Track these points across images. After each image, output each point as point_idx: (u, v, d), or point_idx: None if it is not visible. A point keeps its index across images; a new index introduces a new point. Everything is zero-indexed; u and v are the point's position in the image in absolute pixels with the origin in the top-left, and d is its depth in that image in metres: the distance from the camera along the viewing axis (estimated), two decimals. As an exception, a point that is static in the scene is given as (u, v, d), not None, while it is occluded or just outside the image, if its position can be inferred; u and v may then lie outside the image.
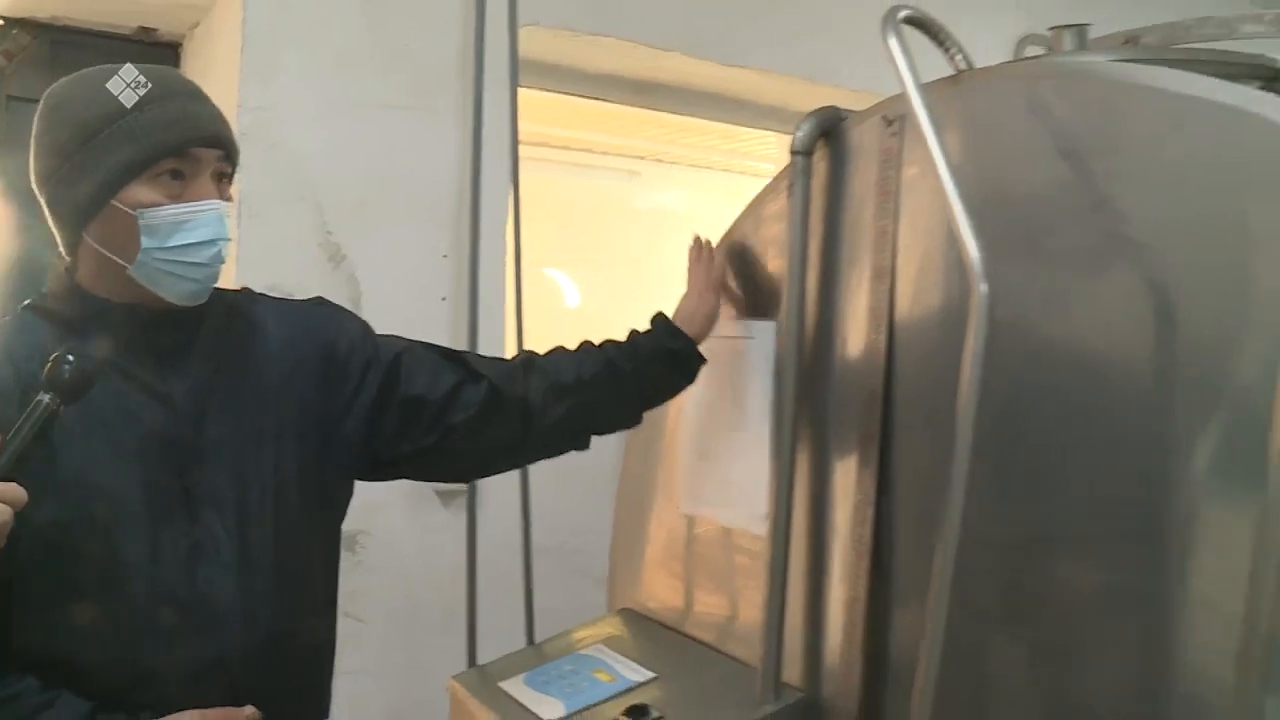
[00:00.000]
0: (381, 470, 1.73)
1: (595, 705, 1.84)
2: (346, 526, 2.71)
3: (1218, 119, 1.25)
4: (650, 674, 1.91)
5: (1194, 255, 1.27)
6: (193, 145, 1.40)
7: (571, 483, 2.78)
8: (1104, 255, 1.36)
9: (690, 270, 1.89)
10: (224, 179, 1.46)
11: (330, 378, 1.62)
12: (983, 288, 1.30)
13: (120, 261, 1.40)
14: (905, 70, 1.45)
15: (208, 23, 3.14)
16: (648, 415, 1.90)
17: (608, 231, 4.89)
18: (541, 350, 1.84)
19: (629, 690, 1.86)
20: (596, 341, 1.83)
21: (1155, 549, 1.30)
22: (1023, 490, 1.46)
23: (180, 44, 3.38)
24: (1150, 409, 1.32)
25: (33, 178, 1.46)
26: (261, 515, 1.49)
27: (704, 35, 3.37)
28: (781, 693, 1.76)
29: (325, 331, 1.65)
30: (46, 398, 1.22)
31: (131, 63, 1.43)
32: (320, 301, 1.75)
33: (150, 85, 1.40)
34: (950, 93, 1.56)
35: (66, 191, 1.40)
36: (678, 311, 1.85)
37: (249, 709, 1.44)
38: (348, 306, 2.68)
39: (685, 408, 2.05)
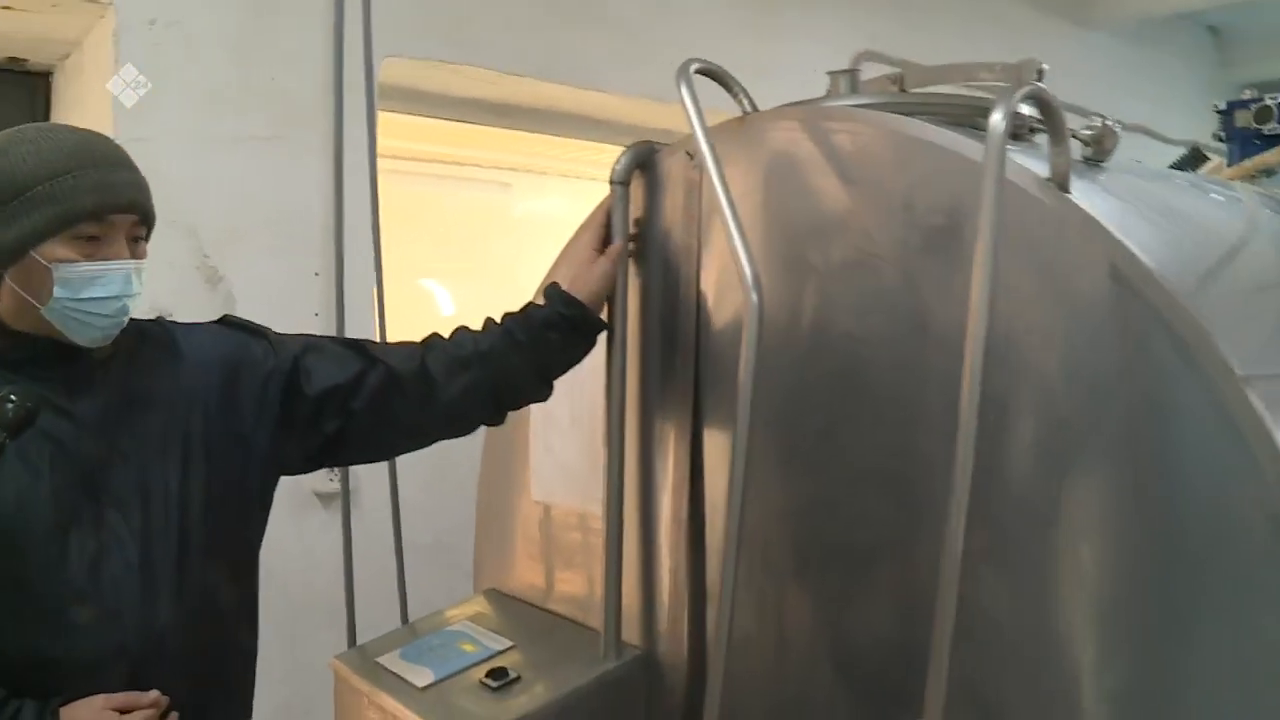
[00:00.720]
0: (306, 464, 1.92)
1: (461, 671, 2.09)
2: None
3: (933, 156, 1.57)
4: (509, 643, 2.17)
5: (921, 267, 1.59)
6: (108, 212, 1.58)
7: (442, 484, 3.03)
8: (856, 268, 1.67)
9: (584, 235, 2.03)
10: (138, 241, 1.65)
11: (236, 396, 1.78)
12: (754, 298, 1.60)
13: (35, 303, 1.58)
14: (694, 116, 1.75)
15: (78, 55, 3.30)
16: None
17: (482, 241, 5.11)
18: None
19: (491, 657, 2.12)
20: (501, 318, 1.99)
21: (909, 509, 1.61)
22: (804, 464, 1.77)
23: (51, 74, 3.53)
24: (901, 393, 1.63)
25: None
26: (165, 522, 1.66)
27: (557, 62, 3.65)
28: (622, 651, 2.04)
29: (231, 353, 1.82)
30: None
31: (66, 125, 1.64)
32: (225, 321, 1.92)
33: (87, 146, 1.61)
34: (737, 131, 1.87)
35: None
36: (572, 279, 1.97)
37: (153, 693, 1.59)
38: (225, 324, 2.89)
39: (533, 405, 2.31)
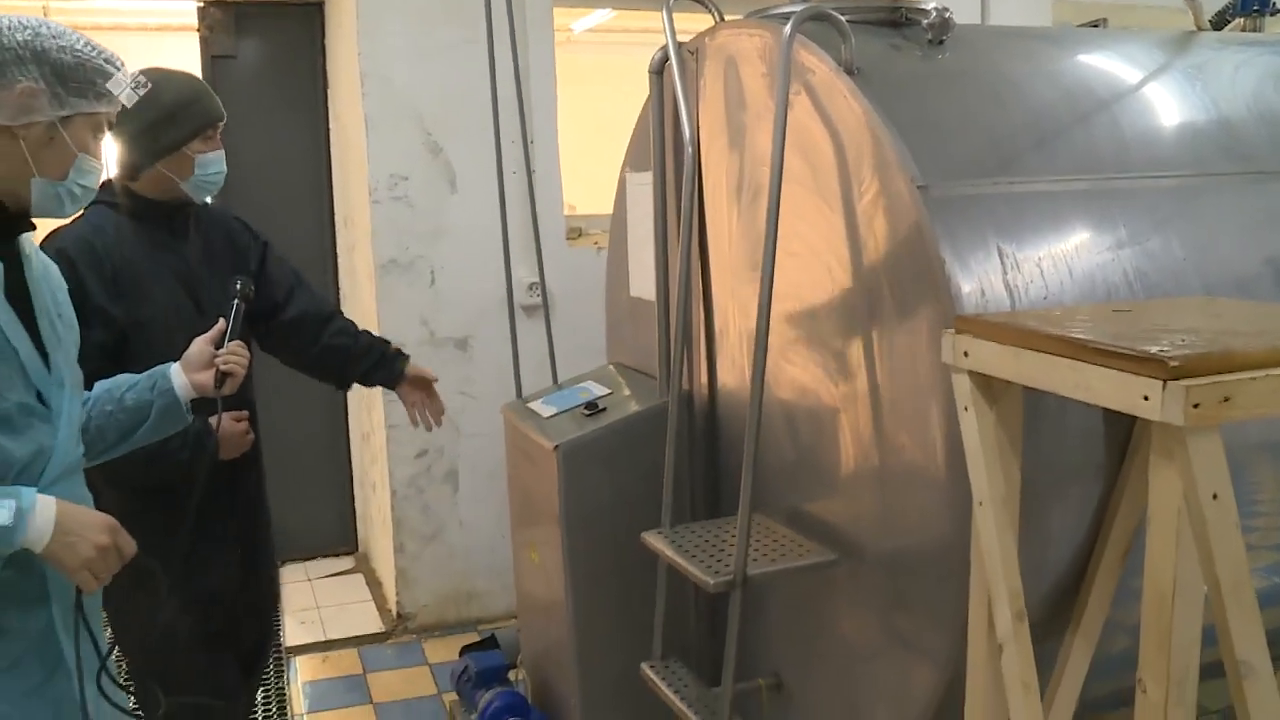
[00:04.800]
0: None
1: (573, 408, 3.29)
2: (458, 333, 4.27)
3: (776, 48, 2.53)
4: (609, 390, 3.35)
5: (801, 169, 2.56)
6: (219, 120, 2.74)
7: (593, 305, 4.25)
8: (749, 116, 2.66)
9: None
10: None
11: (239, 253, 2.97)
12: (689, 150, 2.64)
13: (177, 179, 2.68)
14: (668, 32, 2.78)
15: (339, -10, 4.63)
16: (618, 228, 3.34)
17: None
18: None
19: (594, 399, 3.30)
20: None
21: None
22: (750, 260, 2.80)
23: (323, 4, 4.89)
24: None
25: (124, 133, 2.60)
26: (225, 318, 2.51)
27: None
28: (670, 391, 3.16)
29: (237, 225, 3.04)
30: (237, 302, 2.55)
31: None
32: (235, 217, 3.08)
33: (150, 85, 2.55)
34: (711, 35, 2.88)
35: (155, 142, 2.63)
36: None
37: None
38: (445, 186, 4.28)
39: (629, 220, 3.42)
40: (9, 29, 1.81)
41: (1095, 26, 3.12)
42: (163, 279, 2.72)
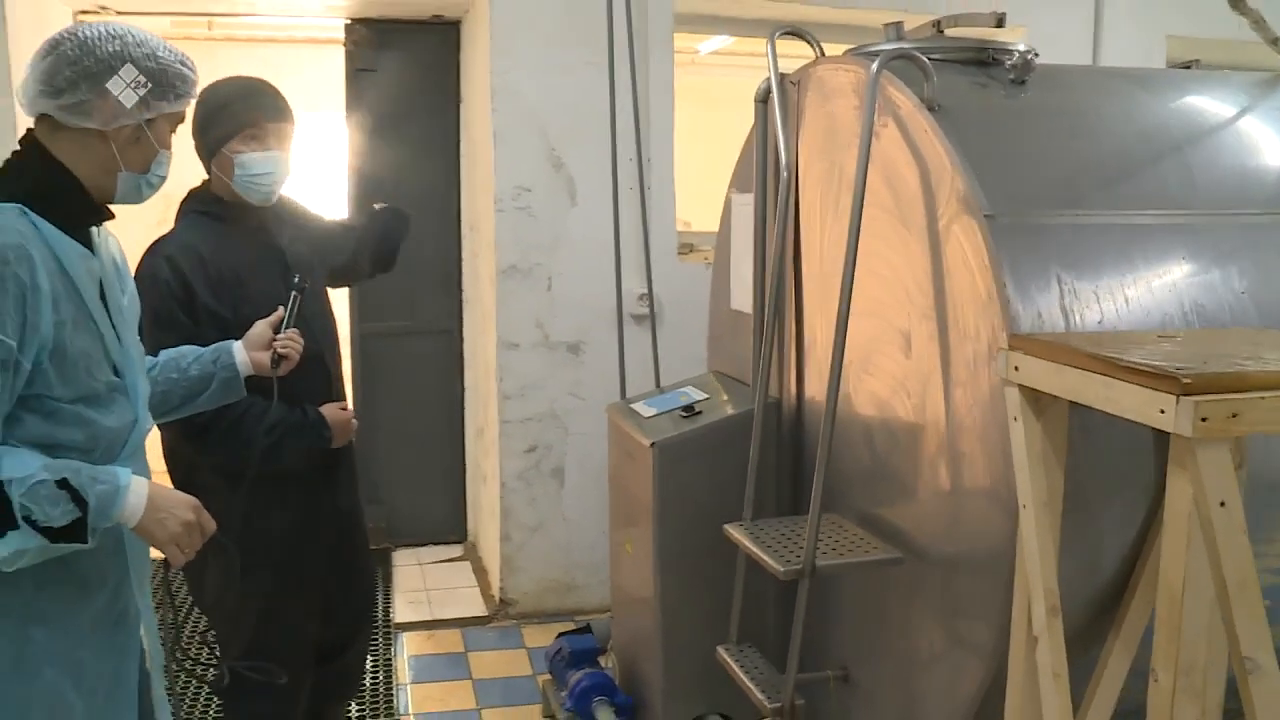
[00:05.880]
0: None
1: (672, 409, 3.59)
2: (571, 338, 4.62)
3: (861, 84, 2.79)
4: (708, 395, 3.64)
5: (885, 196, 2.82)
6: (265, 121, 2.85)
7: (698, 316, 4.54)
8: (842, 141, 2.93)
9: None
10: (287, 138, 2.90)
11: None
12: (784, 174, 2.92)
13: (227, 180, 2.83)
14: (771, 65, 3.06)
15: (474, 10, 5.01)
16: (723, 245, 3.63)
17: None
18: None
19: (693, 402, 3.59)
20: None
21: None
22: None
23: (460, 23, 5.28)
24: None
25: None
26: (317, 290, 2.99)
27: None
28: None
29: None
30: (294, 294, 2.73)
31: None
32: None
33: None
34: (811, 71, 3.15)
35: (202, 141, 2.85)
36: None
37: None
38: (566, 199, 4.65)
39: (733, 237, 3.71)
40: (99, 40, 1.98)
41: (1188, 68, 3.30)
42: (261, 277, 2.92)
